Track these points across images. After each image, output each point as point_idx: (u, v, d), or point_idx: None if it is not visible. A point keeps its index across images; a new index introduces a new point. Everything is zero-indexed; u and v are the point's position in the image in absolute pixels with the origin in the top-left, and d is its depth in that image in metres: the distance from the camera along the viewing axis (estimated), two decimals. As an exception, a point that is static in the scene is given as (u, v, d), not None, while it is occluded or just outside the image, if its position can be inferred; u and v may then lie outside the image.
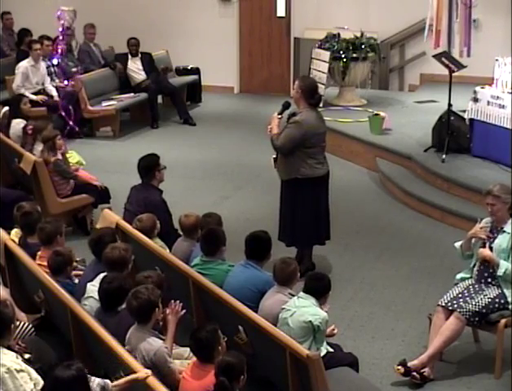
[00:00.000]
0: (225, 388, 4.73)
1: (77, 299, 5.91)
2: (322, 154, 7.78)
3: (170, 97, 13.86)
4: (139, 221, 7.10)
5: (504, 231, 6.41)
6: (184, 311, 5.68)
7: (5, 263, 6.82)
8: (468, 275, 6.57)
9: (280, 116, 7.78)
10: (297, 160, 7.65)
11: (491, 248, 6.41)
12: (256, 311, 5.87)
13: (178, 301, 5.67)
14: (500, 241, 6.39)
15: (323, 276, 6.04)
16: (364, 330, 7.14)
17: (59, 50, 12.51)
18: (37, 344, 5.59)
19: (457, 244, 6.66)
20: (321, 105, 11.73)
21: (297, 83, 7.72)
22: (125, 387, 4.85)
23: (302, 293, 5.88)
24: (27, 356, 5.20)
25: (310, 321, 5.65)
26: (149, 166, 7.89)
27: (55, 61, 12.54)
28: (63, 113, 12.14)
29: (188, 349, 5.45)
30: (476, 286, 6.45)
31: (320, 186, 7.79)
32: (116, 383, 4.87)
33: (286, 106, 7.88)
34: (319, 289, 5.87)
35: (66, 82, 12.54)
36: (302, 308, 5.73)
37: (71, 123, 12.16)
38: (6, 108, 10.41)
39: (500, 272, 6.33)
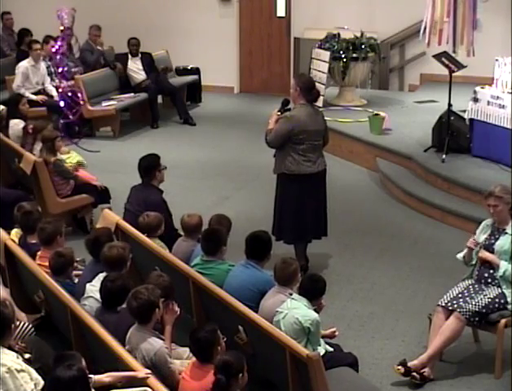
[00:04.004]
0: (222, 386, 4.73)
1: (77, 299, 5.91)
2: (314, 152, 7.77)
3: (170, 97, 13.86)
4: (146, 217, 7.14)
5: (506, 233, 6.40)
6: (178, 310, 5.69)
7: (5, 263, 6.82)
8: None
9: (279, 113, 7.82)
10: (285, 155, 7.73)
11: (492, 250, 6.42)
12: (256, 311, 5.87)
13: (173, 301, 5.67)
14: (502, 242, 6.39)
15: (319, 278, 6.03)
16: (364, 330, 7.13)
17: (60, 50, 12.51)
18: (37, 344, 5.59)
19: (460, 256, 6.65)
20: (321, 105, 11.91)
21: (293, 81, 7.84)
22: (123, 383, 4.86)
23: (295, 295, 5.89)
24: (27, 356, 5.21)
25: (300, 322, 5.65)
26: (149, 166, 7.89)
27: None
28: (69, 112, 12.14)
29: (188, 349, 5.45)
30: (476, 286, 6.45)
31: (306, 185, 7.76)
32: (113, 374, 4.90)
33: (285, 103, 7.92)
34: (312, 290, 5.88)
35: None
36: (293, 310, 5.73)
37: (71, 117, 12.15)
38: (4, 108, 10.39)
39: (500, 273, 6.34)
